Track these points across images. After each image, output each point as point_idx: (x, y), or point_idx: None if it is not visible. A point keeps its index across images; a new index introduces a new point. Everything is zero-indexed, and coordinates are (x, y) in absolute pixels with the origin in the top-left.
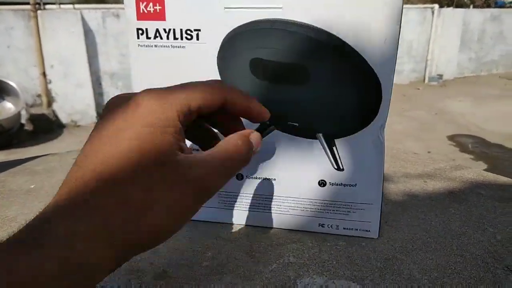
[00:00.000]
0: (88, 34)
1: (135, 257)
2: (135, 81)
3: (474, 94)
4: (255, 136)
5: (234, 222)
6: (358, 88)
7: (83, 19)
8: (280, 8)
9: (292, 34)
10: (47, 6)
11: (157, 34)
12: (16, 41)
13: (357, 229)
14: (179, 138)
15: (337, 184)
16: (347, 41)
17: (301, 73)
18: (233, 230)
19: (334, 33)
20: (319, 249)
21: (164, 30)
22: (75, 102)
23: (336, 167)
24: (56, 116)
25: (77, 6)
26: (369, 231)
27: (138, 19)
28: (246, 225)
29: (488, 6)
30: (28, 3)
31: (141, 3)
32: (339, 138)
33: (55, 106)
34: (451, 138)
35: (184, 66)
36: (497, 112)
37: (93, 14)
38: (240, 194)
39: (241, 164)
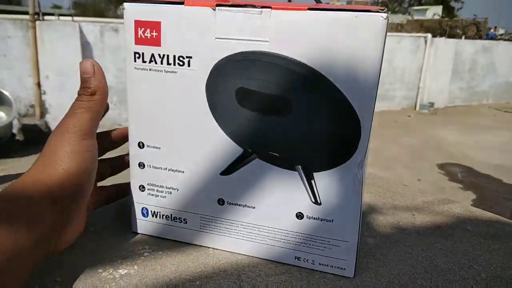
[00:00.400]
0: (86, 46)
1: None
2: (131, 101)
3: (465, 123)
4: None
5: (215, 247)
6: (337, 123)
7: (81, 31)
8: (267, 41)
9: (276, 67)
10: (46, 17)
11: (152, 58)
12: (13, 51)
13: (332, 266)
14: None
15: (314, 218)
16: (329, 77)
17: (284, 104)
18: (220, 258)
19: (317, 68)
20: (307, 281)
21: (159, 55)
22: None
23: (313, 200)
24: (48, 127)
25: (76, 18)
26: (344, 269)
27: (136, 43)
28: (229, 251)
29: (480, 37)
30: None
31: (139, 28)
32: (317, 172)
33: (48, 117)
34: (441, 166)
35: (175, 90)
36: (487, 142)
37: (91, 27)
38: (221, 219)
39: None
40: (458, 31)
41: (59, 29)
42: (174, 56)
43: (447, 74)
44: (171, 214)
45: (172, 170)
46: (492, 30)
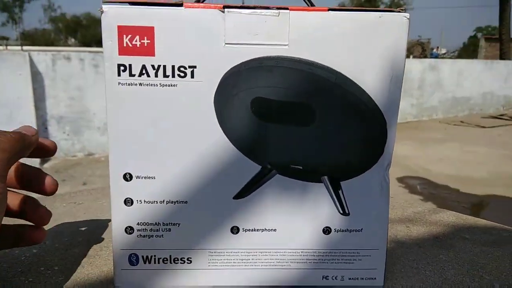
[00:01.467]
0: (36, 76)
1: None
2: (113, 124)
3: (418, 138)
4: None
5: (228, 285)
6: (364, 127)
7: (31, 61)
8: (286, 45)
9: (298, 72)
10: None
11: (143, 71)
12: None
13: (363, 278)
14: None
15: (342, 231)
16: (354, 80)
17: (307, 113)
18: None
19: (341, 71)
20: None
21: (153, 66)
22: None
23: (341, 211)
24: None
25: (25, 47)
26: (375, 278)
27: (120, 53)
28: (237, 286)
29: (425, 56)
30: None
31: (125, 36)
32: (345, 181)
33: None
34: (400, 180)
35: (175, 106)
36: (441, 154)
37: (42, 56)
38: (235, 251)
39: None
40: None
41: (7, 59)
42: (173, 67)
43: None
44: (170, 256)
45: (172, 202)
46: (435, 50)
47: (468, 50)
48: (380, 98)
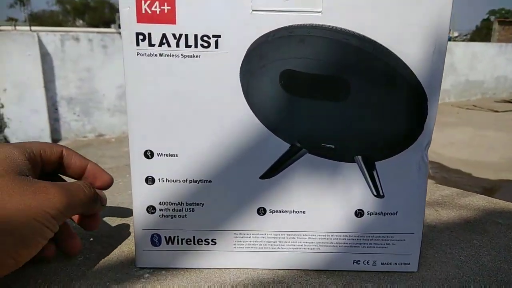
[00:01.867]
0: (46, 57)
1: None
2: (132, 98)
3: None
4: (102, 193)
5: (255, 267)
6: (404, 103)
7: (40, 42)
8: (319, 12)
9: (332, 42)
10: (2, 28)
11: (164, 41)
12: None
13: (396, 263)
14: (23, 167)
15: (376, 214)
16: (393, 51)
17: (341, 87)
18: (238, 274)
19: (379, 41)
20: None
21: (174, 35)
22: (28, 128)
23: (375, 193)
24: (7, 142)
25: (34, 28)
26: (409, 264)
27: (138, 21)
28: (273, 269)
29: None
30: None
31: (143, 1)
32: (380, 161)
33: (7, 131)
34: None
35: (198, 79)
36: (453, 138)
37: (51, 37)
38: (261, 233)
39: (80, 201)
40: None
41: (16, 39)
42: (196, 36)
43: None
44: (194, 237)
45: (195, 181)
46: None
47: (481, 34)
48: (421, 72)
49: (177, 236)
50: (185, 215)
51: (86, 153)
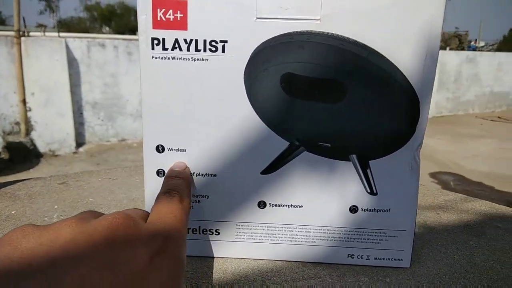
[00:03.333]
0: (72, 62)
1: None
2: (146, 97)
3: (452, 132)
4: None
5: (255, 257)
6: (396, 105)
7: (67, 47)
8: (318, 20)
9: (329, 48)
10: (32, 33)
11: (176, 45)
12: None
13: (389, 259)
14: None
15: (369, 210)
16: (387, 56)
17: (337, 89)
18: (239, 263)
19: (374, 47)
20: (340, 285)
21: (185, 40)
22: (54, 131)
23: (369, 191)
24: (34, 144)
25: (62, 34)
26: (401, 260)
27: (154, 27)
28: (271, 260)
29: (462, 49)
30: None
31: (159, 9)
32: (373, 160)
33: (33, 134)
34: (433, 175)
35: (206, 81)
36: (475, 150)
37: (78, 43)
38: (261, 225)
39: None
40: (441, 43)
41: (45, 45)
42: (205, 41)
43: (434, 84)
44: (199, 227)
45: (201, 175)
46: (473, 43)
47: (509, 43)
48: (414, 76)
49: None
50: (192, 206)
51: (108, 157)
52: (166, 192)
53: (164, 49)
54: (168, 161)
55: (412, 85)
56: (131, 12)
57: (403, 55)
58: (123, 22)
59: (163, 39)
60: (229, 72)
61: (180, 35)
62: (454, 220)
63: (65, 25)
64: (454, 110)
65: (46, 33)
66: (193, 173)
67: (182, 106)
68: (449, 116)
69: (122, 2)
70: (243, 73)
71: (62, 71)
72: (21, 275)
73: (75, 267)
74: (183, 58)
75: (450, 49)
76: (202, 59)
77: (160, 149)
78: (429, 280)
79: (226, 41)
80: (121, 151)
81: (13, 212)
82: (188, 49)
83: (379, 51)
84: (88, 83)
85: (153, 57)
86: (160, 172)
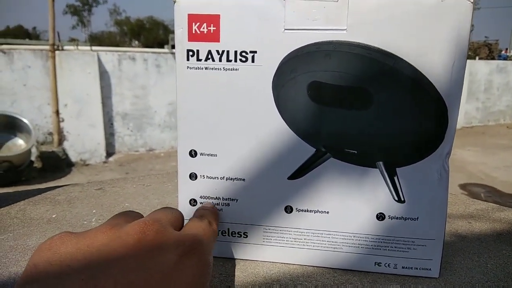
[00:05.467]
0: (104, 75)
1: None
2: (182, 105)
3: (483, 143)
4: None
5: (281, 261)
6: (423, 113)
7: (99, 60)
8: (344, 30)
9: (355, 57)
10: (65, 47)
11: (209, 56)
12: (32, 80)
13: (417, 268)
14: None
15: (397, 218)
16: (413, 64)
17: (364, 97)
18: (271, 267)
19: (400, 56)
20: None
21: (217, 51)
22: (85, 141)
23: (396, 198)
24: (66, 154)
25: (94, 48)
26: (430, 269)
27: (189, 40)
28: (297, 265)
29: (492, 58)
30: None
31: (194, 23)
32: (400, 167)
33: (65, 144)
34: (463, 187)
35: (236, 89)
36: (508, 161)
37: (109, 56)
38: (288, 229)
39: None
40: (469, 53)
41: (78, 58)
42: (236, 52)
43: (463, 94)
44: (228, 229)
45: (231, 179)
46: (503, 52)
47: None
48: (441, 84)
49: None
50: (222, 209)
51: (136, 166)
52: (197, 217)
53: (198, 60)
54: (200, 165)
55: (440, 93)
56: (159, 27)
57: (429, 62)
58: (152, 36)
59: (197, 51)
60: (258, 81)
61: (213, 46)
62: (486, 229)
63: (96, 39)
64: (484, 121)
65: (79, 47)
66: (223, 177)
67: (214, 113)
68: (479, 127)
69: (151, 16)
70: (271, 82)
71: (94, 83)
72: (59, 276)
73: (109, 268)
74: (216, 68)
75: (480, 58)
76: (233, 69)
77: (193, 153)
78: None
79: (255, 52)
80: (149, 161)
81: (53, 216)
82: (220, 60)
83: (405, 59)
84: (119, 94)
85: (188, 67)
86: (192, 176)
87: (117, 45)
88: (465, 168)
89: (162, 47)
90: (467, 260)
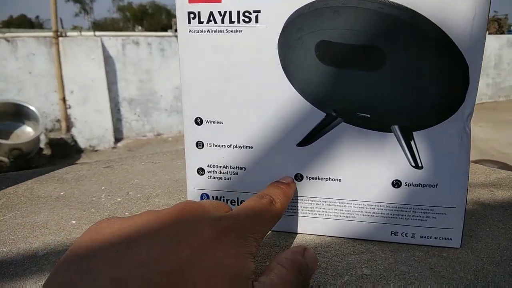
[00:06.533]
0: (108, 60)
1: None
2: (185, 71)
3: (494, 119)
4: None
5: (293, 231)
6: (442, 72)
7: (103, 46)
8: None
9: (367, 12)
10: (69, 33)
11: (211, 18)
12: (37, 68)
13: (436, 238)
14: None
15: (414, 185)
16: (431, 19)
17: (376, 56)
18: (289, 238)
19: (416, 9)
20: (394, 260)
21: (219, 13)
22: (93, 127)
23: (414, 164)
24: (74, 141)
25: (97, 33)
26: (450, 239)
27: (190, 1)
28: (310, 234)
29: (502, 33)
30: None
31: None
32: (418, 131)
33: (73, 131)
34: (475, 163)
35: (241, 52)
36: None
37: (113, 41)
38: (299, 198)
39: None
40: None
41: (81, 44)
42: (238, 12)
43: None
44: (237, 198)
45: (238, 147)
46: None
47: None
48: (461, 39)
49: (223, 197)
50: (230, 177)
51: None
52: (259, 195)
53: (200, 22)
54: (206, 133)
55: (460, 50)
56: (162, 11)
57: (447, 16)
58: (155, 21)
59: (199, 13)
60: (263, 42)
61: (215, 7)
62: (509, 197)
63: (99, 26)
64: (495, 97)
65: (82, 33)
66: (230, 145)
67: (218, 78)
68: (489, 103)
69: (153, 1)
70: (277, 43)
71: (99, 69)
72: (96, 252)
73: (143, 239)
74: (218, 31)
75: (489, 33)
76: (236, 31)
77: (198, 121)
78: (489, 255)
79: (259, 11)
80: (157, 145)
81: (62, 193)
82: (223, 21)
83: (421, 13)
84: (124, 80)
85: (189, 30)
86: (199, 144)
87: (121, 31)
88: (476, 144)
89: (165, 31)
90: (493, 228)
